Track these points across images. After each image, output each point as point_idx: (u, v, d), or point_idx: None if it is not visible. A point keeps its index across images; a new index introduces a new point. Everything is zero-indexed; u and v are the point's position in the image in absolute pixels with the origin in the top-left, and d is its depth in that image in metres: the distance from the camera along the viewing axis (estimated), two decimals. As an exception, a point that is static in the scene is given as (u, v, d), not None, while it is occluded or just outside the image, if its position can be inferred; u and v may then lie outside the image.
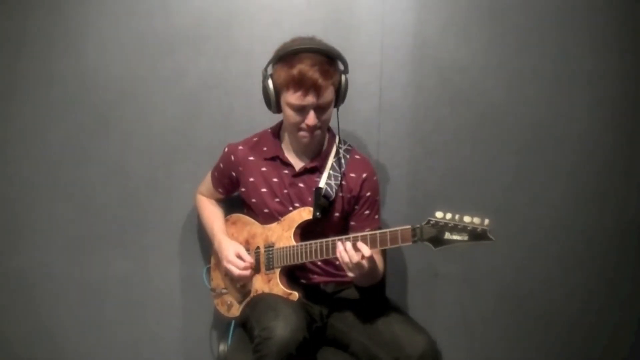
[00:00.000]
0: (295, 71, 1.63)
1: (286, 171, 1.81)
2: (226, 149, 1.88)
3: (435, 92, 2.09)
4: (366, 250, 1.59)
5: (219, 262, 1.91)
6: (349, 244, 1.61)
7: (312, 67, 1.62)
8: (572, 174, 2.15)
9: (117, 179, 2.07)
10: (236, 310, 1.86)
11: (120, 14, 2.01)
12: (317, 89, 1.63)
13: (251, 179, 1.83)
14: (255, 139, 1.87)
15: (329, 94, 1.67)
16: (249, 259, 1.80)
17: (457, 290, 2.18)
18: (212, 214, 1.95)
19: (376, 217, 1.85)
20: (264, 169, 1.82)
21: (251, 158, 1.84)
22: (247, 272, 1.79)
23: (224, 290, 1.91)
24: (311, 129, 1.70)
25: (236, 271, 1.79)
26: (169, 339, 2.16)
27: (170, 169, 2.08)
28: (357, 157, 1.85)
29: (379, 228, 1.81)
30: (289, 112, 1.70)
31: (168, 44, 2.03)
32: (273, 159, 1.82)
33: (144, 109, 2.06)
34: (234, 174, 1.86)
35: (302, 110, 1.68)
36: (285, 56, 1.66)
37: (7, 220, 2.07)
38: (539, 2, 2.07)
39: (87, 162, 2.06)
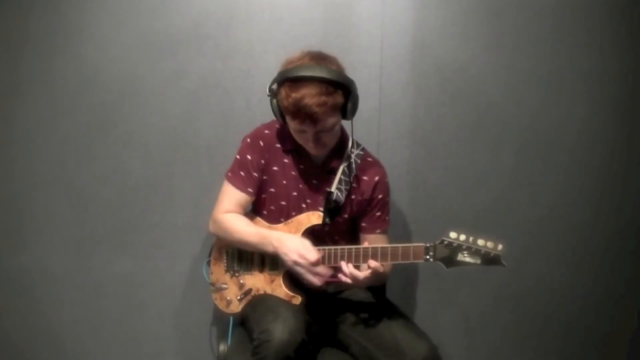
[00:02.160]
0: (290, 101, 1.58)
1: (302, 166, 1.78)
2: (248, 140, 1.78)
3: (435, 92, 2.09)
4: (378, 266, 1.62)
5: (219, 257, 1.88)
6: (350, 268, 1.63)
7: (310, 98, 1.56)
8: (571, 173, 2.15)
9: (117, 178, 2.08)
10: (235, 307, 1.85)
11: (121, 14, 2.01)
12: (313, 120, 1.59)
13: (275, 168, 1.78)
14: (277, 125, 1.79)
15: (329, 121, 1.62)
16: (315, 254, 1.67)
17: (456, 291, 2.18)
18: (245, 224, 1.76)
19: (387, 218, 1.85)
20: (285, 160, 1.79)
21: (278, 145, 1.78)
22: (322, 270, 1.68)
23: (224, 286, 1.89)
24: (316, 148, 1.69)
25: (307, 273, 1.67)
26: (169, 339, 2.16)
27: (170, 169, 2.08)
28: (369, 159, 1.84)
29: (386, 231, 1.85)
30: (292, 132, 1.70)
31: (168, 44, 2.03)
32: (293, 151, 1.77)
33: (144, 109, 2.06)
34: (262, 161, 1.77)
35: (303, 133, 1.66)
36: (284, 81, 1.61)
37: (8, 220, 2.08)
38: (538, 2, 2.08)
39: (88, 161, 2.06)
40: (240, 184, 1.77)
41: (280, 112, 1.67)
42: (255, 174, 1.77)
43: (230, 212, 1.77)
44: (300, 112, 1.58)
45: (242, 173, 1.77)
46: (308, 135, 1.65)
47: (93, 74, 2.03)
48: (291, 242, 1.68)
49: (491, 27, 2.07)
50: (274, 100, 1.66)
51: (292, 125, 1.65)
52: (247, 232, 1.74)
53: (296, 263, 1.66)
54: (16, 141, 2.04)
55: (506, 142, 2.13)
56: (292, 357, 1.54)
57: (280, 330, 1.55)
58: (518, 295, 2.19)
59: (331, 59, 1.65)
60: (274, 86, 1.67)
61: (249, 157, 1.77)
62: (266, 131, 1.79)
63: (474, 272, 2.13)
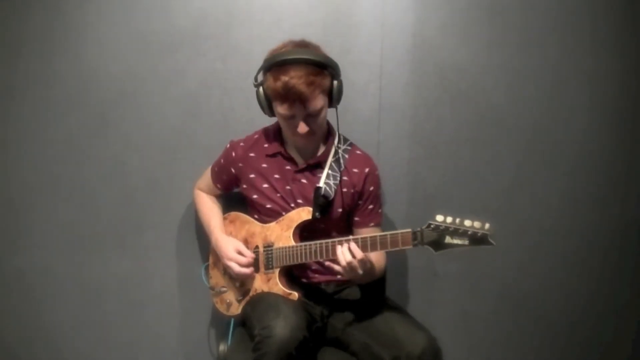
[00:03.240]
0: (279, 84, 1.62)
1: (288, 167, 1.81)
2: (228, 145, 1.89)
3: (435, 92, 2.09)
4: (358, 252, 1.62)
5: (217, 260, 1.90)
6: (345, 247, 1.63)
7: (297, 79, 1.60)
8: (572, 174, 2.15)
9: (116, 178, 2.07)
10: (235, 309, 1.86)
11: (120, 14, 2.01)
12: (302, 101, 1.63)
13: (251, 176, 1.83)
14: (255, 136, 1.88)
15: (317, 102, 1.66)
16: (250, 254, 1.79)
17: (457, 290, 2.18)
18: (210, 210, 1.95)
19: (379, 211, 1.87)
20: (264, 165, 1.82)
21: (252, 154, 1.84)
22: (249, 270, 1.78)
23: (223, 289, 1.90)
24: (304, 135, 1.70)
25: (237, 268, 1.78)
26: (169, 339, 2.15)
27: (169, 169, 2.08)
28: (358, 152, 1.86)
29: (380, 224, 1.86)
30: (280, 120, 1.73)
31: (168, 44, 2.03)
32: (274, 155, 1.82)
33: (144, 109, 2.06)
34: (233, 170, 1.86)
35: (292, 119, 1.68)
36: (271, 67, 1.65)
37: (7, 220, 2.07)
38: (539, 2, 2.07)
39: (87, 161, 2.06)
40: (213, 176, 1.94)
41: (268, 102, 1.70)
42: (224, 177, 1.90)
43: (203, 191, 1.99)
44: (290, 93, 1.61)
45: (216, 169, 1.93)
46: (297, 121, 1.67)
47: (93, 74, 2.03)
48: (225, 246, 1.82)
49: (492, 27, 2.07)
50: (260, 89, 1.70)
51: (282, 110, 1.67)
52: (203, 217, 1.95)
53: (227, 265, 1.81)
54: (15, 141, 2.04)
55: (506, 142, 2.12)
56: (293, 354, 1.54)
57: (282, 326, 1.55)
58: (519, 296, 2.19)
59: (314, 45, 1.70)
60: (260, 75, 1.71)
61: (222, 160, 1.90)
62: (241, 144, 1.86)
63: (475, 272, 2.15)
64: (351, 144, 1.86)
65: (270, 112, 1.74)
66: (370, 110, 2.08)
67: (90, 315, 2.12)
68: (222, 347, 1.87)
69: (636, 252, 2.20)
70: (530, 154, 2.13)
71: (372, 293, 1.84)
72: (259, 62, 2.00)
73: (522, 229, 2.14)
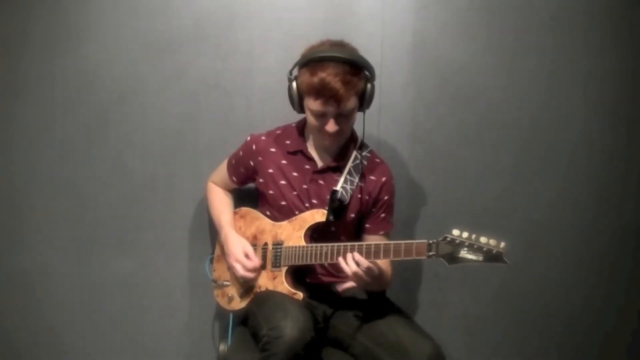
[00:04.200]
0: (316, 79, 1.62)
1: (308, 166, 1.81)
2: (248, 138, 1.87)
3: (435, 92, 2.10)
4: (363, 261, 1.61)
5: (223, 254, 1.89)
6: (349, 258, 1.63)
7: (334, 76, 1.60)
8: (571, 174, 2.16)
9: (117, 178, 2.07)
10: (237, 304, 1.85)
11: (121, 14, 2.01)
12: (337, 99, 1.63)
13: (270, 170, 1.82)
14: (278, 131, 1.87)
15: (350, 103, 1.66)
16: (257, 260, 1.78)
17: (457, 290, 2.18)
18: (221, 204, 1.94)
19: (391, 220, 1.87)
20: (284, 161, 1.82)
21: (273, 149, 1.83)
22: (253, 274, 1.78)
23: (226, 283, 1.89)
24: (332, 135, 1.70)
25: (241, 271, 1.78)
26: (171, 339, 2.15)
27: (170, 169, 2.08)
28: (377, 160, 1.86)
29: (389, 234, 1.87)
30: (310, 117, 1.72)
31: (168, 44, 2.03)
32: (295, 153, 1.82)
33: (145, 109, 2.06)
34: (252, 163, 1.85)
35: (322, 116, 1.68)
36: (309, 62, 1.65)
37: (8, 220, 2.07)
38: (538, 2, 2.08)
39: (88, 161, 2.06)
40: (230, 169, 1.93)
41: (299, 98, 1.70)
42: (242, 169, 1.89)
43: (217, 184, 1.97)
44: (325, 90, 1.61)
45: (233, 162, 1.91)
46: (327, 119, 1.67)
47: (93, 74, 2.03)
48: (234, 245, 1.80)
49: (491, 28, 2.08)
50: (294, 84, 1.69)
51: (314, 107, 1.66)
52: (214, 211, 1.93)
53: (232, 265, 1.80)
54: (16, 141, 2.04)
55: (506, 142, 2.13)
56: (301, 355, 1.54)
57: (291, 327, 1.54)
58: (518, 295, 2.19)
59: (352, 47, 1.71)
60: (295, 70, 1.70)
61: (241, 153, 1.88)
62: (263, 137, 1.85)
63: (474, 273, 2.15)
64: (371, 151, 1.86)
65: (300, 108, 1.73)
66: (370, 110, 2.07)
67: (91, 314, 2.12)
68: (222, 347, 1.87)
69: (634, 252, 2.20)
70: (530, 154, 2.14)
71: (374, 294, 1.84)
72: (259, 62, 2.01)
73: (521, 229, 2.15)
